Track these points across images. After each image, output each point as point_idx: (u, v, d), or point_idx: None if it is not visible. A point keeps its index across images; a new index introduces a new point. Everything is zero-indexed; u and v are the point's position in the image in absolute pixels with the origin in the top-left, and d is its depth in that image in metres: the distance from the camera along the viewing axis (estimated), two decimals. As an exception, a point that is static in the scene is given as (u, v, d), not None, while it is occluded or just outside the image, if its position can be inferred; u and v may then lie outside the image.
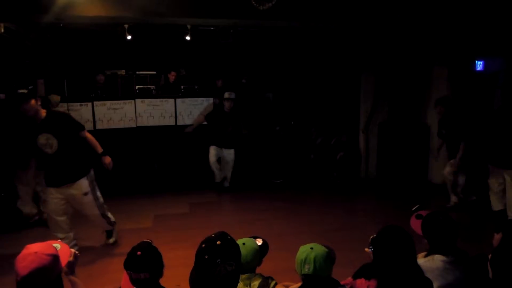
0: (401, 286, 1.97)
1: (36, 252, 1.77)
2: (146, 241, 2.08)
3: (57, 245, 2.01)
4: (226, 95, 6.62)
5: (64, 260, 1.96)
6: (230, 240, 1.66)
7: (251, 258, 2.25)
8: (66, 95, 6.92)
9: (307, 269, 2.02)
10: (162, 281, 2.08)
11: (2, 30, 5.49)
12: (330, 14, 5.73)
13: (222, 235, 1.66)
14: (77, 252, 2.15)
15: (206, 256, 1.57)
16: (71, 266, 2.09)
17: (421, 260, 2.38)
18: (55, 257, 1.83)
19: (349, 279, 2.29)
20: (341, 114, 8.19)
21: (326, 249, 2.11)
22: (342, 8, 5.72)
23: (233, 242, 1.67)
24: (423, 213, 2.54)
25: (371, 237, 2.35)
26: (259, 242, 2.41)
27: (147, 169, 6.97)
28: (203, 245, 1.62)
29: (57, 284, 1.87)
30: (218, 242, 1.60)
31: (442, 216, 2.39)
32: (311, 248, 2.07)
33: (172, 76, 7.96)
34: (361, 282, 2.20)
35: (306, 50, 8.15)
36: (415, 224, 2.47)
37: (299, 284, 2.15)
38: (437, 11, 5.74)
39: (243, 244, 2.24)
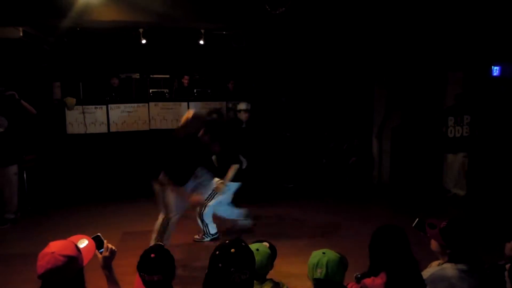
0: (409, 274, 2.10)
1: (53, 253, 1.78)
2: (159, 244, 2.11)
3: (84, 240, 2.01)
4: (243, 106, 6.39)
5: (87, 257, 1.96)
6: (244, 248, 1.64)
7: (266, 263, 2.22)
8: (81, 98, 7.03)
9: (319, 273, 2.01)
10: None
11: (21, 34, 5.62)
12: (343, 21, 5.73)
13: (236, 242, 1.64)
14: (113, 247, 2.15)
15: (220, 265, 1.55)
16: (107, 260, 2.13)
17: (435, 269, 2.35)
18: (71, 258, 1.82)
19: (352, 283, 2.28)
20: (354, 118, 8.14)
21: (338, 255, 2.10)
22: (356, 15, 5.70)
23: (247, 249, 1.65)
24: (435, 221, 2.49)
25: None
26: (266, 246, 2.41)
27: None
28: (217, 252, 1.60)
29: (77, 281, 1.89)
30: (232, 250, 1.58)
31: (466, 224, 2.37)
32: (323, 253, 2.07)
33: (185, 80, 8.03)
34: (369, 280, 2.19)
35: (319, 53, 8.13)
36: (432, 234, 2.43)
37: (311, 289, 2.14)
38: (452, 17, 5.68)
39: (257, 250, 2.21)
